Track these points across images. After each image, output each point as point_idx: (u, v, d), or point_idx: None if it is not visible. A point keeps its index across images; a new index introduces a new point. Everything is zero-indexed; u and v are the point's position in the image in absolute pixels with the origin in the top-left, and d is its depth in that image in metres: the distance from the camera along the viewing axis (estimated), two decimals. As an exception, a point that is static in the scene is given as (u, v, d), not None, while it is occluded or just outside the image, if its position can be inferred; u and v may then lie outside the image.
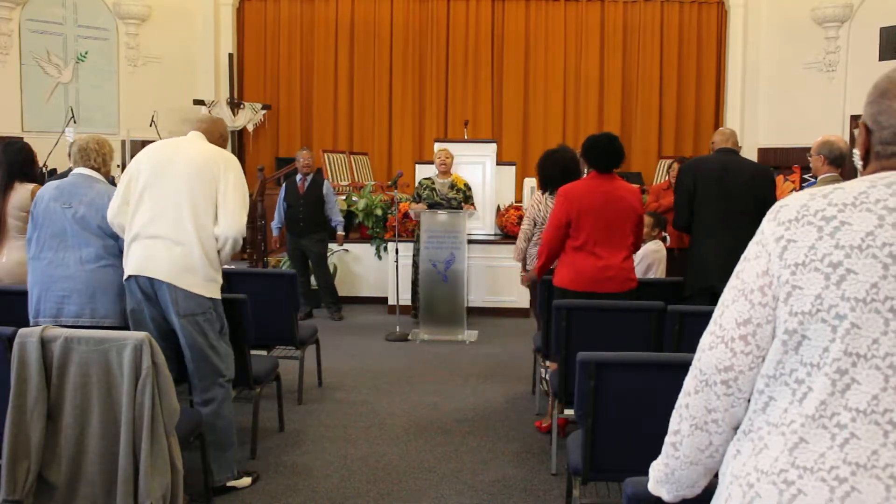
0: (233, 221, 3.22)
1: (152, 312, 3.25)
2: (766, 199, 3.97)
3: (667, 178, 6.61)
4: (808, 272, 1.17)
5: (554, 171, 4.66)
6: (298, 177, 7.27)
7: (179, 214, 3.17)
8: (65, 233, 3.37)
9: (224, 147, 3.48)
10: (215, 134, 3.43)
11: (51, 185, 3.51)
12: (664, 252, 5.21)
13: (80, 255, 3.35)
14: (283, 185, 7.45)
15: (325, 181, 7.42)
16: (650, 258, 5.13)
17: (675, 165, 6.39)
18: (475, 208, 6.97)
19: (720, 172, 4.08)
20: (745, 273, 1.27)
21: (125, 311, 3.35)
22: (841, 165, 3.99)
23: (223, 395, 3.33)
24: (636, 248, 4.17)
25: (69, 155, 3.63)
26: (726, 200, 4.03)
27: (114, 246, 3.39)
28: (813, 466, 1.14)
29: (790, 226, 1.21)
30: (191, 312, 3.19)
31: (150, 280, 3.18)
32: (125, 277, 3.26)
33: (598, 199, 3.91)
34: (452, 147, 7.10)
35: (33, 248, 3.43)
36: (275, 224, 7.39)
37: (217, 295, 3.31)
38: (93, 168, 3.50)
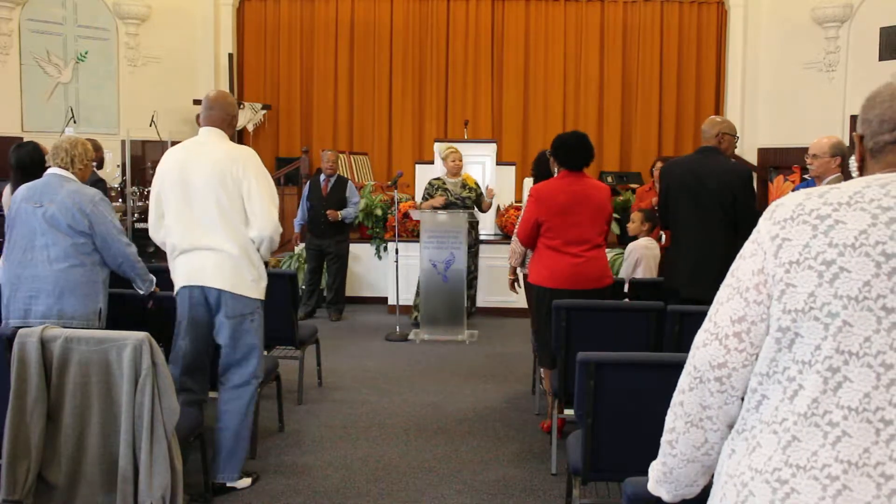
0: (264, 221, 3.25)
1: (198, 319, 3.31)
2: (737, 199, 3.84)
3: (651, 179, 6.59)
4: (802, 270, 1.18)
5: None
6: (322, 177, 7.29)
7: (211, 223, 3.22)
8: (34, 232, 3.33)
9: (235, 126, 3.49)
10: (225, 118, 3.38)
11: (24, 186, 3.47)
12: (656, 250, 5.20)
13: (49, 253, 3.31)
14: (307, 183, 7.48)
15: (349, 182, 7.40)
16: (638, 253, 5.09)
17: (659, 164, 6.41)
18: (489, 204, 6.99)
19: (689, 176, 3.98)
20: (739, 271, 1.27)
21: (94, 312, 3.37)
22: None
23: (252, 396, 3.39)
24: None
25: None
26: (694, 205, 3.93)
27: (84, 244, 3.34)
28: (806, 465, 1.15)
29: (785, 224, 1.22)
30: (239, 314, 3.28)
31: (202, 288, 3.25)
32: (179, 288, 3.32)
33: (569, 197, 3.94)
34: (457, 147, 7.13)
35: (6, 249, 3.40)
36: (297, 220, 7.41)
37: (262, 295, 3.37)
38: (62, 167, 3.43)
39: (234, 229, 3.23)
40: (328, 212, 7.15)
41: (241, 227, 3.25)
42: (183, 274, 3.30)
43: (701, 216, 3.92)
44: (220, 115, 3.36)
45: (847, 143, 9.74)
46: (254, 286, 3.32)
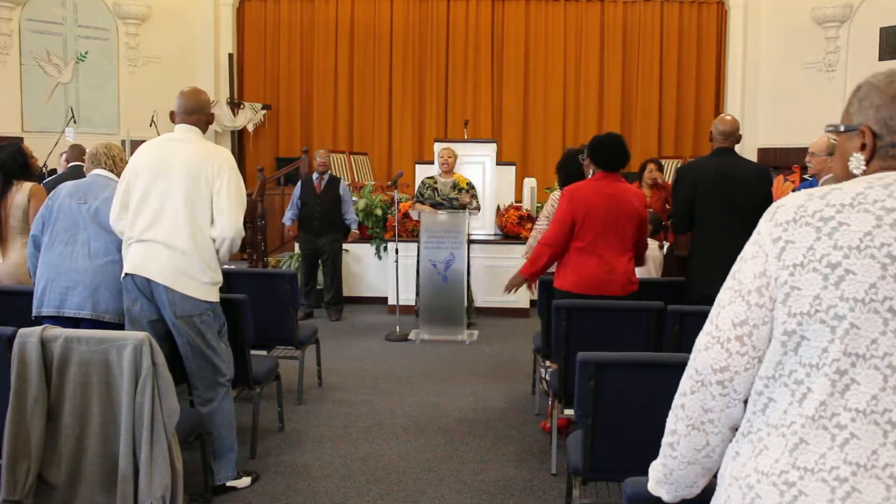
0: (229, 223, 3.21)
1: (149, 312, 3.25)
2: (766, 199, 3.89)
3: (637, 181, 6.54)
4: (807, 273, 1.17)
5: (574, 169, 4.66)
6: (315, 175, 7.32)
7: (176, 220, 3.18)
8: (77, 226, 3.41)
9: (212, 121, 3.47)
10: (203, 118, 3.38)
11: (68, 184, 3.59)
12: (654, 251, 5.22)
13: (90, 248, 3.39)
14: (299, 182, 7.50)
15: (342, 181, 7.44)
16: None
17: (651, 166, 6.37)
18: (478, 208, 6.87)
19: (720, 179, 3.98)
20: (741, 273, 1.26)
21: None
22: None
23: (223, 395, 3.34)
24: (643, 249, 4.15)
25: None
26: (728, 206, 3.95)
27: (122, 241, 3.41)
28: (813, 467, 1.14)
29: (788, 227, 1.21)
30: (187, 314, 3.20)
31: (148, 280, 3.20)
32: (122, 275, 3.28)
33: (603, 200, 3.86)
34: (452, 147, 7.09)
35: (45, 242, 3.47)
36: (287, 217, 7.40)
37: (215, 298, 3.31)
38: (106, 169, 3.58)
39: (196, 229, 3.19)
40: (352, 232, 7.42)
41: (204, 228, 3.21)
42: (132, 262, 3.23)
43: (736, 217, 3.90)
44: (199, 117, 3.37)
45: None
46: (204, 288, 3.24)
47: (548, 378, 4.12)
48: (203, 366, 3.28)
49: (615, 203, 3.88)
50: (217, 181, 3.20)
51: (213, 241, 3.23)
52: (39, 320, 3.28)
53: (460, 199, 6.68)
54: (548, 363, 4.25)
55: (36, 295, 3.42)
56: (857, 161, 1.27)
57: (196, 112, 3.35)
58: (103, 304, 3.35)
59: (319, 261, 7.35)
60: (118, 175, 3.56)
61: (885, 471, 1.11)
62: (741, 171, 4.04)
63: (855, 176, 1.27)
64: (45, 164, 8.40)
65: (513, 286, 4.17)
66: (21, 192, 4.11)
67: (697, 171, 4.18)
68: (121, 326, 3.31)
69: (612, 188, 3.91)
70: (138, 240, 3.22)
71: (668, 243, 5.61)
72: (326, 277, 7.32)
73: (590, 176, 4.17)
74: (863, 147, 1.27)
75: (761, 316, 1.22)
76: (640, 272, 5.04)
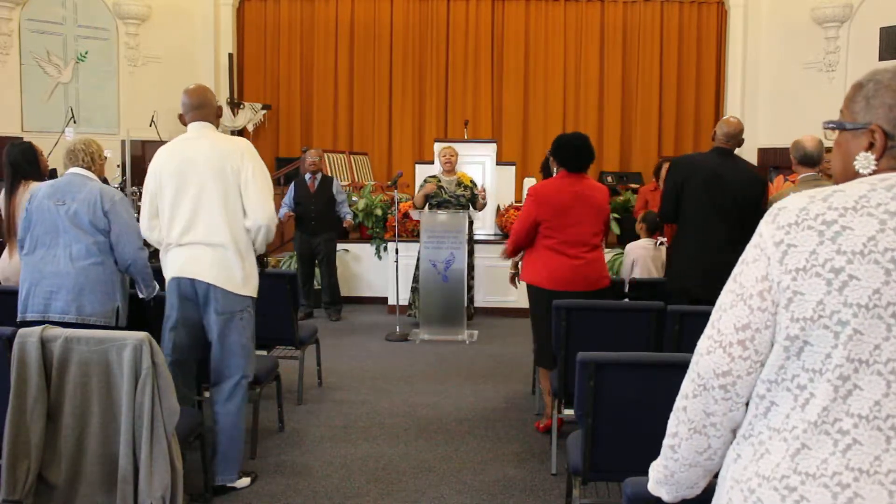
0: (261, 211, 3.24)
1: (187, 314, 3.30)
2: (757, 206, 3.87)
3: (654, 180, 6.57)
4: (810, 278, 1.16)
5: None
6: (307, 175, 7.31)
7: (212, 218, 3.21)
8: (56, 229, 3.38)
9: (220, 113, 3.47)
10: (212, 112, 3.38)
11: (45, 184, 3.54)
12: (653, 250, 5.24)
13: (71, 251, 3.36)
14: (293, 183, 7.48)
15: (335, 180, 7.45)
16: (634, 254, 5.25)
17: (667, 165, 6.38)
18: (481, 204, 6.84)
19: (711, 178, 3.96)
20: (743, 277, 1.25)
21: (112, 311, 3.39)
22: (813, 164, 3.98)
23: (242, 396, 3.38)
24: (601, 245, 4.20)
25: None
26: (714, 206, 3.93)
27: (104, 243, 3.39)
28: (815, 472, 1.14)
29: (790, 230, 1.19)
30: (230, 310, 3.25)
31: (192, 281, 3.23)
32: (169, 278, 3.31)
33: (569, 198, 3.93)
34: (453, 146, 7.09)
35: (27, 245, 3.45)
36: (281, 213, 7.32)
37: (254, 293, 3.35)
38: (83, 167, 3.52)
39: (231, 223, 3.22)
40: (347, 221, 7.34)
41: (238, 221, 3.24)
42: (175, 266, 3.28)
43: (722, 218, 3.90)
44: (208, 111, 3.37)
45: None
46: (245, 283, 3.29)
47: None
48: (232, 364, 3.31)
49: (581, 199, 3.95)
50: (242, 172, 3.23)
51: (248, 231, 3.25)
52: (24, 325, 3.26)
53: (477, 194, 6.67)
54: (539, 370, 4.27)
55: (20, 299, 3.41)
56: (865, 160, 1.24)
57: (203, 107, 3.35)
58: (88, 307, 3.33)
59: (316, 261, 7.34)
60: (96, 173, 3.53)
61: (888, 476, 1.11)
62: (735, 172, 4.01)
63: (860, 175, 1.25)
64: (49, 165, 8.41)
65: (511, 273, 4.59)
66: (26, 192, 4.13)
67: (690, 166, 4.17)
68: (108, 328, 3.30)
69: (577, 185, 3.98)
70: (178, 244, 3.25)
71: (664, 239, 5.62)
72: (324, 278, 7.31)
73: (554, 174, 4.19)
74: (869, 146, 1.25)
75: (763, 320, 1.21)
76: (640, 272, 5.07)
